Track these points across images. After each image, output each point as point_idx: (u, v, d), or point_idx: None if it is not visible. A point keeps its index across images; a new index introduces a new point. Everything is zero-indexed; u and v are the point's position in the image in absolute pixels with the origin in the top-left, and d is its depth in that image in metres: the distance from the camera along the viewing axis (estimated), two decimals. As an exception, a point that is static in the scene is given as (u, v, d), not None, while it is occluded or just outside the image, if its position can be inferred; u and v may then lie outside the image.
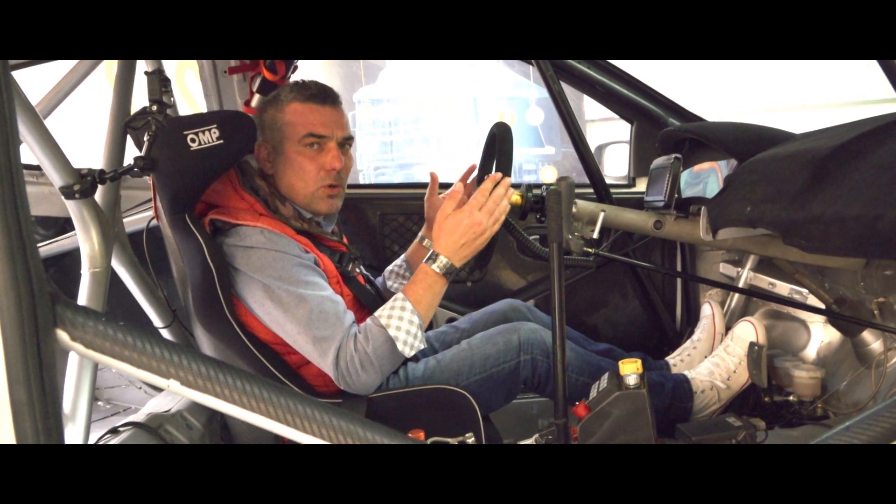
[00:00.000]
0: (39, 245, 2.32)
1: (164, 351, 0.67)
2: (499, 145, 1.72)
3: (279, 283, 1.45)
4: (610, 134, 2.82)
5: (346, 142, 1.64)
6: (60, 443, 0.67)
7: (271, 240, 1.49)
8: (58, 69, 1.86)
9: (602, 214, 1.86)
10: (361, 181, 6.19)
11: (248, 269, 1.49)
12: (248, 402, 0.67)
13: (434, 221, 1.54)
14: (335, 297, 1.50)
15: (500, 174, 1.56)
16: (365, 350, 1.43)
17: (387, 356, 1.44)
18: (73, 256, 1.60)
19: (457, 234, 1.48)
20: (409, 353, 1.46)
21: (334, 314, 1.45)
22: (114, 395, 2.57)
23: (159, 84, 1.42)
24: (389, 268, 1.97)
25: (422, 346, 1.49)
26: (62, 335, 0.67)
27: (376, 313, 1.48)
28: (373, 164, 6.40)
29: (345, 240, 1.73)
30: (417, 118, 6.37)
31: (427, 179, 1.89)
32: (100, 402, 2.57)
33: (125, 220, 2.07)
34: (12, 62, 1.58)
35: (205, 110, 2.14)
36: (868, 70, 1.07)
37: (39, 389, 0.63)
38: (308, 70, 2.11)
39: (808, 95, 6.04)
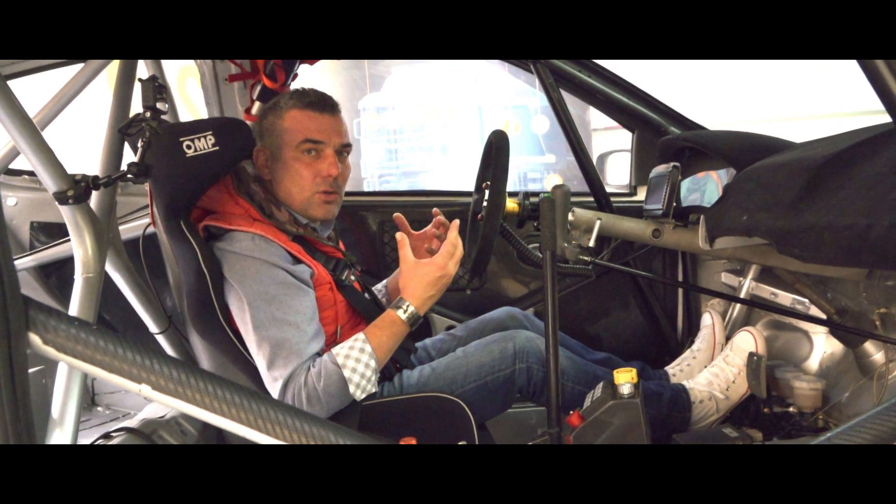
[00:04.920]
0: (39, 250, 2.33)
1: (136, 355, 0.67)
2: (495, 154, 1.71)
3: (253, 299, 1.45)
4: (615, 143, 2.81)
5: (344, 149, 1.65)
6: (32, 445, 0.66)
7: (260, 247, 1.49)
8: (60, 77, 1.88)
9: (598, 222, 1.85)
10: (366, 189, 6.19)
11: (231, 276, 1.49)
12: (220, 407, 0.67)
13: (405, 264, 1.55)
14: (309, 323, 1.48)
15: (457, 221, 1.58)
16: (315, 386, 1.41)
17: (336, 395, 1.43)
18: (73, 263, 1.60)
19: (426, 283, 1.51)
20: (359, 395, 1.45)
21: (296, 346, 1.43)
22: (113, 400, 2.58)
23: (153, 91, 1.43)
24: (378, 287, 1.96)
25: (373, 391, 1.48)
26: (34, 339, 0.67)
27: (334, 350, 1.47)
28: (377, 172, 6.39)
29: (341, 246, 1.73)
30: (422, 126, 6.36)
31: (429, 187, 1.89)
32: (99, 408, 2.57)
33: (124, 227, 2.08)
34: (10, 70, 1.60)
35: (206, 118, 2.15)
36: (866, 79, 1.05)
37: (10, 392, 0.63)
38: (311, 77, 2.11)
39: (810, 105, 6.03)
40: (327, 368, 1.43)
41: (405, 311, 1.51)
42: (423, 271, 1.52)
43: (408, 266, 1.54)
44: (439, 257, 1.52)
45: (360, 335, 1.49)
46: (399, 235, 1.57)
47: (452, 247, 1.53)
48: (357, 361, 1.45)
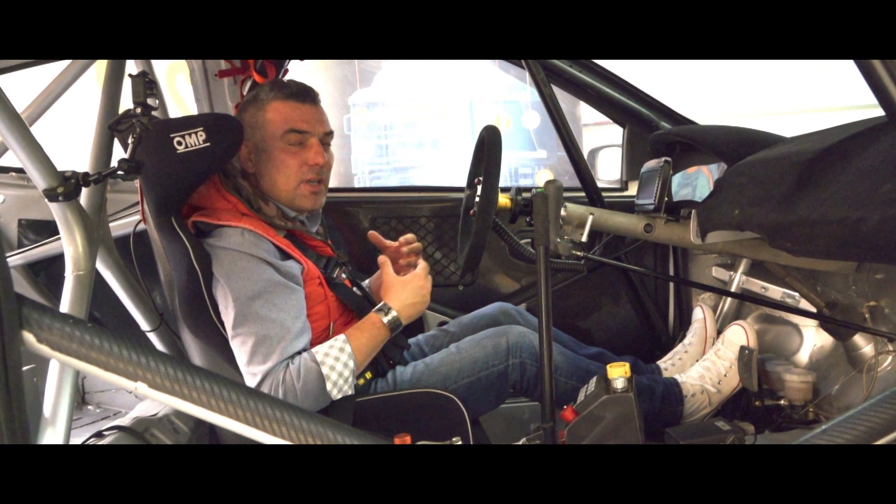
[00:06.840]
0: (28, 249, 2.31)
1: (132, 353, 0.66)
2: (487, 149, 1.71)
3: (238, 294, 1.44)
4: (606, 138, 2.81)
5: (327, 137, 1.66)
6: (26, 444, 0.66)
7: (249, 242, 1.48)
8: (48, 73, 1.86)
9: (591, 217, 1.85)
10: (357, 185, 6.17)
11: (218, 271, 1.48)
12: (217, 404, 0.66)
13: (389, 278, 1.61)
14: (293, 321, 1.47)
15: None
16: (293, 384, 1.40)
17: (313, 394, 1.42)
18: (63, 261, 1.59)
19: (408, 291, 1.57)
20: (335, 395, 1.44)
21: (277, 343, 1.42)
22: (104, 399, 2.56)
23: (144, 86, 1.41)
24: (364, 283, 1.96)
25: (349, 392, 1.48)
26: (29, 337, 0.66)
27: (314, 350, 1.47)
28: (367, 168, 6.37)
29: (329, 242, 1.72)
30: (413, 122, 6.34)
31: (420, 183, 1.90)
32: (90, 407, 2.56)
33: (114, 224, 2.07)
34: (-2, 65, 1.57)
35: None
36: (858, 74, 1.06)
37: (4, 391, 0.62)
38: (300, 73, 2.10)
39: (801, 100, 6.06)
40: (307, 366, 1.43)
41: (387, 315, 1.54)
42: (406, 280, 1.59)
43: (391, 280, 1.60)
44: (421, 270, 1.61)
45: (342, 336, 1.50)
46: (381, 259, 1.65)
47: (427, 269, 1.64)
48: (336, 360, 1.45)
